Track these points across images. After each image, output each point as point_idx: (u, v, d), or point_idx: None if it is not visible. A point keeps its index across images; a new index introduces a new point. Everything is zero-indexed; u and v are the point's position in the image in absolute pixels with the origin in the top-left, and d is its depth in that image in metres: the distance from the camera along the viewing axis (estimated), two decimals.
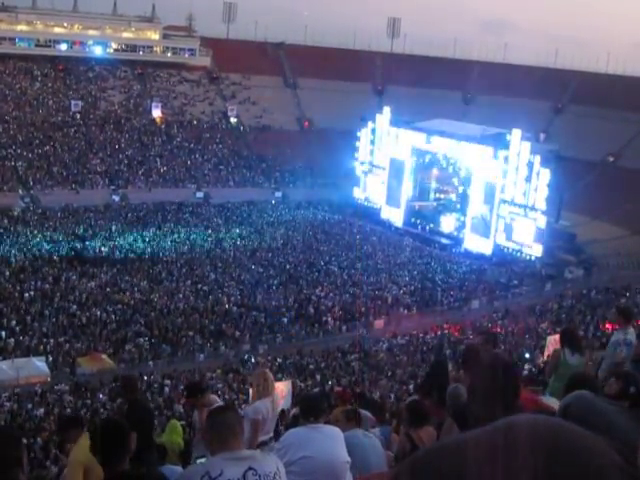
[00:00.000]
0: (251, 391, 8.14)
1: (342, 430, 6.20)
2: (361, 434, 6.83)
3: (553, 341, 23.85)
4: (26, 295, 41.36)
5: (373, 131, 69.03)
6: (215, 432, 4.09)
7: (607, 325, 35.00)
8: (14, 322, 37.73)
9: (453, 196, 66.05)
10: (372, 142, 69.22)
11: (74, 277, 45.45)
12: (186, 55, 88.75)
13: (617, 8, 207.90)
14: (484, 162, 58.07)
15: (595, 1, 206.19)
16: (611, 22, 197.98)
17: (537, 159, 55.07)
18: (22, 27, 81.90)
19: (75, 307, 40.30)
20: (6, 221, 56.21)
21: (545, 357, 23.60)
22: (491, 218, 57.69)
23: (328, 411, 7.65)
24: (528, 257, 55.30)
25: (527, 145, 55.89)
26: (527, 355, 31.43)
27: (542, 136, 74.73)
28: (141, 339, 37.85)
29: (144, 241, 54.91)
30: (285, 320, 41.97)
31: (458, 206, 63.63)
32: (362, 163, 70.49)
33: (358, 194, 70.96)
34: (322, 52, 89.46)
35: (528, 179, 55.11)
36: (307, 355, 36.84)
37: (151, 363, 36.13)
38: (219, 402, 8.72)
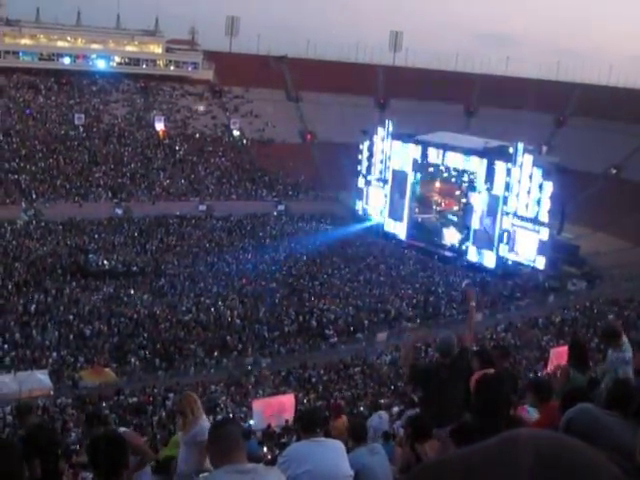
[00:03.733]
0: (183, 417, 7.95)
1: (347, 447, 6.20)
2: (367, 452, 6.80)
3: (557, 353, 23.83)
4: (29, 308, 41.38)
5: (375, 144, 69.07)
6: (218, 445, 4.08)
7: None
8: (17, 335, 37.73)
9: (456, 209, 66.01)
10: (374, 155, 69.27)
11: (77, 290, 45.47)
12: (189, 69, 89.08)
13: (618, 21, 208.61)
14: (486, 175, 58.10)
15: (596, 14, 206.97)
16: (612, 35, 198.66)
17: (539, 171, 55.08)
18: (26, 41, 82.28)
19: (78, 320, 40.28)
20: (9, 234, 56.24)
21: (549, 369, 23.54)
22: (494, 231, 57.68)
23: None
24: (531, 270, 55.25)
25: (529, 157, 55.90)
26: (530, 368, 31.37)
27: (544, 148, 74.79)
28: (144, 352, 37.82)
29: (147, 254, 54.93)
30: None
31: (461, 219, 63.57)
32: (364, 176, 70.50)
33: (361, 207, 70.99)
34: (324, 65, 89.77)
35: (530, 191, 55.11)
36: (310, 368, 36.78)
37: (160, 373, 36.19)
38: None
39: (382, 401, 27.03)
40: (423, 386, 8.72)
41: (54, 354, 36.41)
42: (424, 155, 64.18)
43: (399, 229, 66.02)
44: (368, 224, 68.37)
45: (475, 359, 7.93)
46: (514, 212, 56.24)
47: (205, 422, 7.58)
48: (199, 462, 7.31)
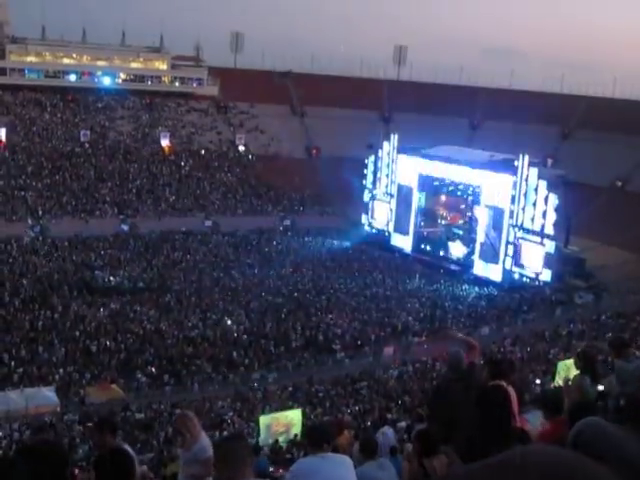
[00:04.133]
0: (181, 436, 7.52)
1: (357, 462, 6.17)
2: (375, 467, 6.77)
3: (564, 367, 23.74)
4: (35, 324, 41.39)
5: (380, 158, 69.20)
6: (224, 461, 4.07)
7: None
8: (24, 352, 37.73)
9: (461, 222, 65.99)
10: (380, 169, 69.38)
11: (83, 306, 45.48)
12: (194, 85, 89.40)
13: (622, 34, 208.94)
14: (492, 188, 58.12)
15: (600, 27, 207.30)
16: (616, 48, 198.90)
17: (545, 184, 55.06)
18: (32, 58, 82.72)
19: (84, 336, 40.27)
20: (16, 251, 56.35)
21: (555, 383, 23.42)
22: (500, 244, 57.61)
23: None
24: (537, 283, 55.12)
25: (535, 170, 55.88)
26: (538, 381, 31.21)
27: (550, 161, 74.75)
28: (150, 368, 37.77)
29: (153, 270, 54.95)
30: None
31: (466, 232, 63.57)
32: (370, 190, 70.59)
33: (366, 221, 71.02)
34: (329, 80, 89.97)
35: (536, 204, 55.06)
36: (317, 383, 36.68)
37: (168, 388, 36.13)
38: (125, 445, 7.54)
39: (389, 416, 26.94)
40: (434, 405, 8.63)
41: (61, 370, 36.40)
42: (429, 169, 64.27)
43: (405, 243, 66.01)
44: (373, 231, 68.78)
45: (485, 372, 7.87)
46: (520, 225, 56.18)
47: (205, 439, 7.38)
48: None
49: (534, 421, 7.47)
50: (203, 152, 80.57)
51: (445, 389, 8.23)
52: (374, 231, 69.65)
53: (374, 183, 70.25)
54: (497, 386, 5.78)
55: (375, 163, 69.93)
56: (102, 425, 7.39)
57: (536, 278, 55.20)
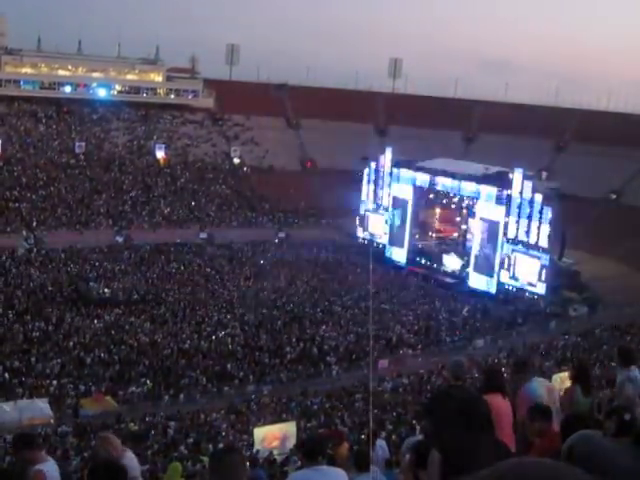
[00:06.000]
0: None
1: (350, 474, 6.16)
2: None
3: (559, 380, 23.69)
4: (30, 336, 41.25)
5: (375, 171, 69.30)
6: (219, 474, 4.06)
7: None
8: (17, 363, 37.59)
9: (456, 235, 66.05)
10: (375, 182, 69.45)
11: (77, 318, 45.35)
12: (189, 97, 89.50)
13: (616, 47, 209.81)
14: (486, 201, 58.20)
15: (595, 41, 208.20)
16: (610, 61, 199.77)
17: (539, 197, 55.17)
18: (27, 70, 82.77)
19: (78, 348, 40.14)
20: (10, 262, 56.21)
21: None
22: (494, 257, 57.65)
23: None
24: (532, 295, 55.17)
25: (529, 183, 56.01)
26: None
27: (544, 174, 74.94)
28: (144, 380, 37.65)
29: (147, 282, 54.85)
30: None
31: (461, 245, 63.64)
32: (365, 203, 70.64)
33: (361, 233, 71.03)
34: (324, 93, 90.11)
35: (530, 217, 55.17)
36: (311, 395, 36.60)
37: (163, 400, 35.99)
38: (49, 460, 6.89)
39: (388, 427, 26.87)
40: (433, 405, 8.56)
41: (54, 382, 36.26)
42: (424, 182, 64.33)
43: (400, 255, 65.99)
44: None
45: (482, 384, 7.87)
46: (514, 238, 56.25)
47: (129, 460, 6.83)
48: None
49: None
50: (198, 164, 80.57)
51: (446, 390, 8.19)
52: (375, 245, 69.69)
53: (369, 196, 70.32)
54: (477, 398, 5.75)
55: (370, 176, 70.02)
56: (16, 442, 7.14)
57: (524, 289, 55.30)
